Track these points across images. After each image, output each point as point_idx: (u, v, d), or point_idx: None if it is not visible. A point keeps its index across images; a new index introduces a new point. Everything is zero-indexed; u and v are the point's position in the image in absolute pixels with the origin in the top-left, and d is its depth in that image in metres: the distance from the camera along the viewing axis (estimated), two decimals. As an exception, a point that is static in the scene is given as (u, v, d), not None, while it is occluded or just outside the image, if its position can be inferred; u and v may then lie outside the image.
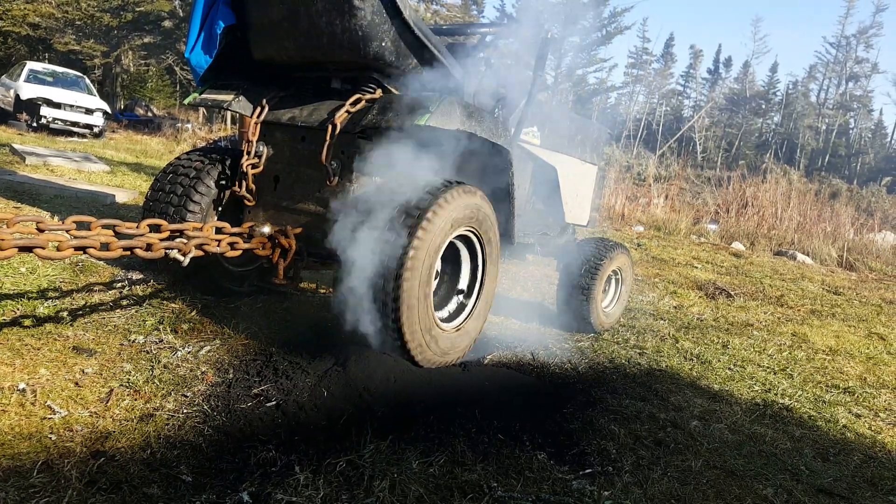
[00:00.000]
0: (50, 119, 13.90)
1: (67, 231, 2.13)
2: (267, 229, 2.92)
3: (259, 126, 3.15)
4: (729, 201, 13.70)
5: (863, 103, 47.32)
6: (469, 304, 3.06)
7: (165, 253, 2.40)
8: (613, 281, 4.36)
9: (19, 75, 14.91)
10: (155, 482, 1.75)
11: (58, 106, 14.04)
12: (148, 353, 2.61)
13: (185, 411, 2.17)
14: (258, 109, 3.16)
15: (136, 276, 3.49)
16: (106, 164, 8.66)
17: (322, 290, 3.90)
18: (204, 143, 16.11)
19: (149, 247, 2.35)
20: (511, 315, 4.26)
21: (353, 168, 2.92)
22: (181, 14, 23.07)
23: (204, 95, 3.27)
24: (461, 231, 2.83)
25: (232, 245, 2.72)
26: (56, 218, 4.50)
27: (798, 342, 4.84)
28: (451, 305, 3.06)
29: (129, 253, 2.28)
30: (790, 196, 13.23)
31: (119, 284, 3.35)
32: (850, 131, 48.02)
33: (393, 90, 3.09)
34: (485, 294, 3.08)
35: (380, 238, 2.57)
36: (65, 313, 2.84)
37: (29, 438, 1.86)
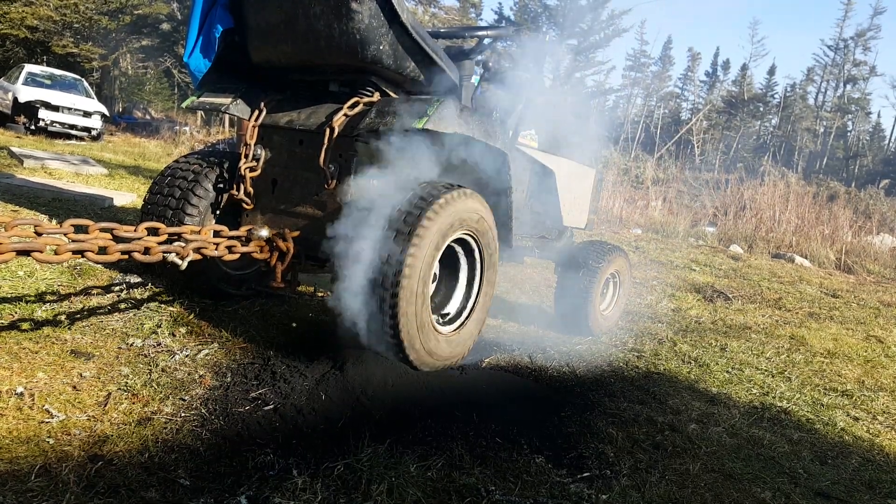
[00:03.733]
0: (48, 122, 13.88)
1: (65, 234, 2.13)
2: (265, 232, 2.92)
3: (257, 129, 3.15)
4: (727, 204, 13.72)
5: (861, 106, 47.38)
6: (467, 307, 3.06)
7: (163, 256, 2.40)
8: (611, 284, 4.36)
9: (17, 78, 14.90)
10: (153, 486, 1.75)
11: (56, 109, 14.03)
12: (146, 356, 2.60)
13: (182, 415, 2.17)
14: (256, 113, 3.17)
15: (134, 279, 3.49)
16: (104, 167, 8.65)
17: (320, 294, 3.89)
18: (202, 147, 16.11)
19: (147, 250, 2.35)
20: (509, 318, 4.27)
21: (350, 171, 2.92)
22: (179, 17, 23.11)
23: (202, 99, 3.27)
24: (459, 234, 2.83)
25: (230, 248, 2.72)
26: (54, 221, 4.50)
27: (796, 345, 4.84)
28: (449, 309, 3.06)
29: (127, 256, 2.28)
30: (788, 198, 13.24)
31: (117, 288, 3.35)
32: (848, 134, 48.10)
33: (391, 93, 3.09)
34: (482, 297, 3.09)
35: (377, 242, 2.57)
36: (63, 317, 2.84)
37: (27, 442, 1.86)
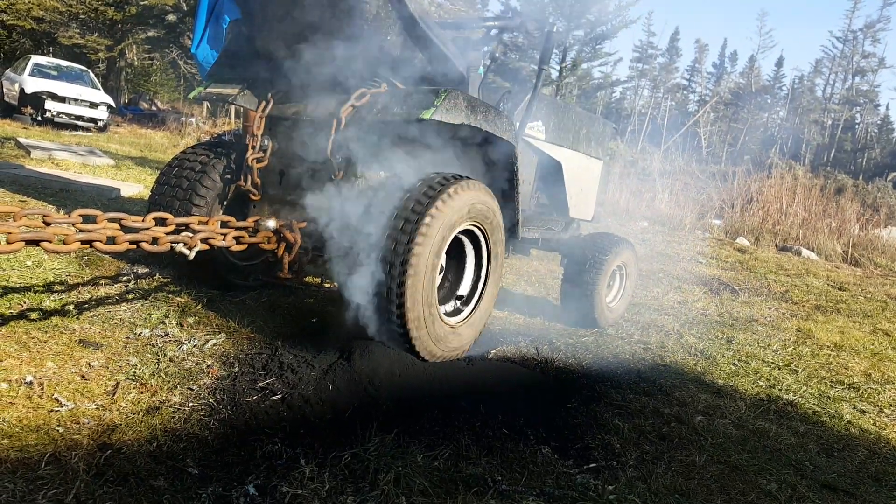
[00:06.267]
0: (54, 113, 13.93)
1: (73, 225, 2.13)
2: (272, 223, 2.93)
3: (264, 120, 3.15)
4: (734, 196, 13.64)
5: (869, 98, 47.07)
6: (473, 299, 3.06)
7: (171, 247, 2.40)
8: (618, 276, 4.35)
9: (24, 69, 14.94)
10: (161, 474, 1.76)
11: (62, 100, 14.07)
12: (154, 346, 2.62)
13: (190, 404, 2.18)
14: (263, 104, 3.16)
15: (141, 269, 3.50)
16: (111, 158, 8.68)
17: (327, 285, 3.90)
18: (208, 138, 16.11)
19: (155, 240, 2.35)
20: (515, 310, 4.27)
21: (357, 162, 2.92)
22: (185, 8, 23.07)
23: (209, 89, 3.27)
24: (465, 226, 2.83)
25: (237, 239, 2.73)
26: (62, 211, 4.52)
27: (803, 338, 4.83)
28: (456, 300, 3.07)
29: (134, 247, 2.29)
30: (795, 191, 13.16)
31: (125, 278, 3.36)
32: (856, 126, 47.81)
33: (398, 84, 3.09)
34: (489, 289, 3.09)
35: (384, 233, 2.57)
36: (71, 307, 2.85)
37: (36, 431, 1.88)
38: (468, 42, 3.71)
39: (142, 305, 3.05)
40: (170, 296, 3.24)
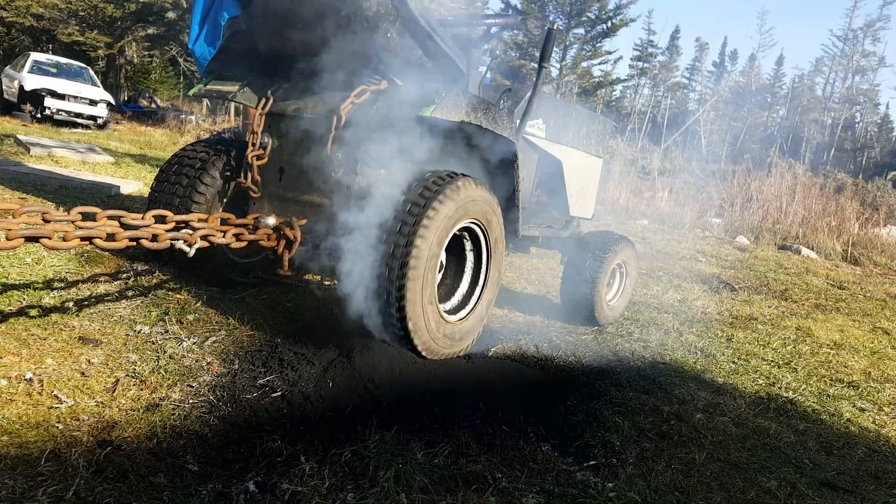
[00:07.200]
0: (54, 110, 13.90)
1: (73, 222, 2.13)
2: (272, 221, 2.92)
3: (264, 117, 3.15)
4: (734, 195, 13.63)
5: (869, 97, 47.06)
6: (473, 296, 3.06)
7: (171, 244, 2.40)
8: (618, 274, 4.35)
9: (23, 66, 14.91)
10: (161, 471, 1.76)
11: (62, 97, 14.05)
12: (154, 343, 2.62)
13: (190, 401, 2.18)
14: (263, 101, 3.16)
15: (141, 267, 3.50)
16: (110, 156, 8.67)
17: (327, 282, 3.90)
18: (208, 135, 16.09)
19: (154, 237, 2.35)
20: (515, 308, 4.26)
21: (358, 159, 2.92)
22: (185, 5, 23.03)
23: (209, 86, 3.26)
24: (465, 223, 2.83)
25: (237, 236, 2.73)
26: (61, 208, 4.51)
27: (802, 336, 4.83)
28: (456, 297, 3.06)
29: (134, 244, 2.29)
30: (795, 190, 13.15)
31: (124, 275, 3.36)
32: (856, 125, 47.80)
33: (398, 81, 3.08)
34: (489, 286, 3.09)
35: (384, 230, 2.57)
36: (70, 304, 2.85)
37: (36, 427, 1.87)
38: (469, 40, 3.70)
39: (141, 302, 3.05)
40: (169, 293, 3.24)
